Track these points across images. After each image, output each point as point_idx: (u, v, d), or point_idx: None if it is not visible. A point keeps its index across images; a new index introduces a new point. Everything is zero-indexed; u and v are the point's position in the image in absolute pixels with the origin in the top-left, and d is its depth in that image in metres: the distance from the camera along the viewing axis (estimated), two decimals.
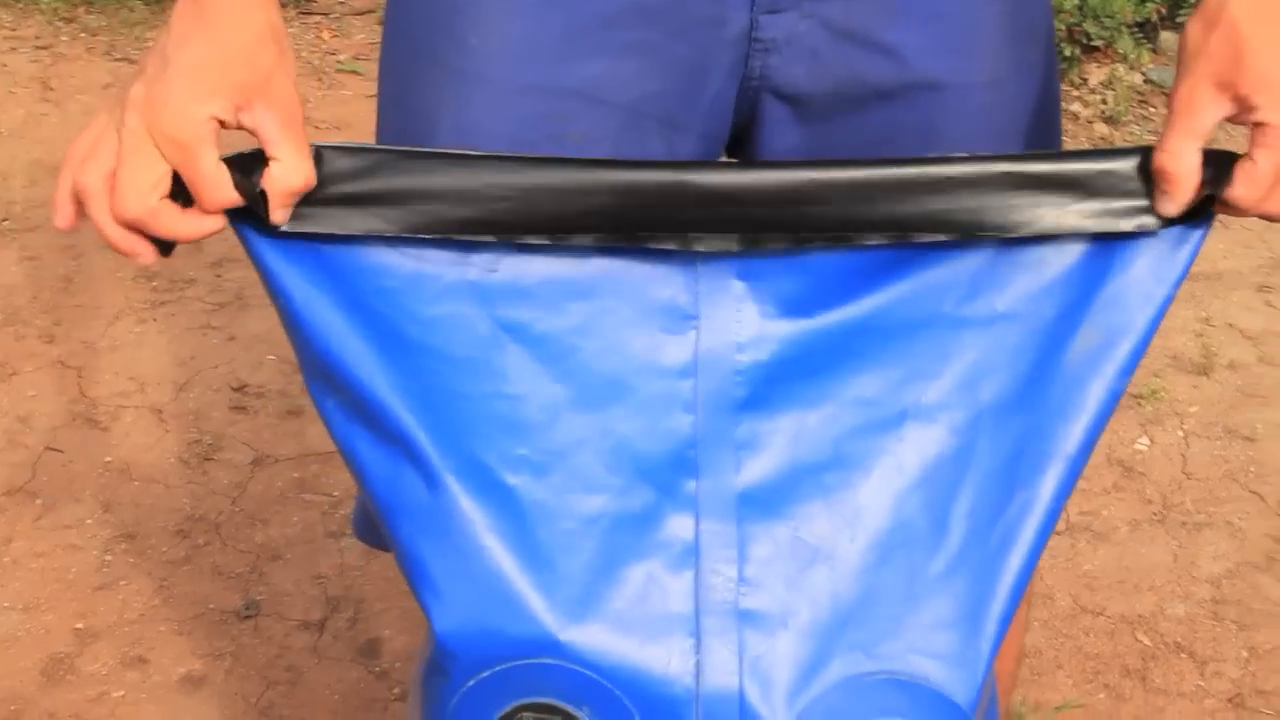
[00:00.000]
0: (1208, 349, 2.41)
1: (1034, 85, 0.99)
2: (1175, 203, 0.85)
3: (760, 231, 0.86)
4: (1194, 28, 0.84)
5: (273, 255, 0.86)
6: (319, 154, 0.84)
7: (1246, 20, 0.81)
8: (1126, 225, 0.86)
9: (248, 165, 0.82)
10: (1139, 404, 2.28)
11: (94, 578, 1.98)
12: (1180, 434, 2.23)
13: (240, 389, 2.35)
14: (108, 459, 2.20)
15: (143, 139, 0.79)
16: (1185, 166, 0.84)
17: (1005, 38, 0.96)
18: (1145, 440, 2.22)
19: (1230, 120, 0.84)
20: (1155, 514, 2.07)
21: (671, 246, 0.86)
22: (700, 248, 0.86)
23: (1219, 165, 0.84)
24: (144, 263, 0.84)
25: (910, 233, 0.86)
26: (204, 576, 1.98)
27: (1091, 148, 0.88)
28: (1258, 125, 0.82)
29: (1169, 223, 0.86)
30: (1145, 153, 0.86)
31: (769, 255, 0.87)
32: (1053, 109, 1.02)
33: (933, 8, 0.94)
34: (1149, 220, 0.86)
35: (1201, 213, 0.85)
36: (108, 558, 2.01)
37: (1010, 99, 0.97)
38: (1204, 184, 0.84)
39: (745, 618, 0.84)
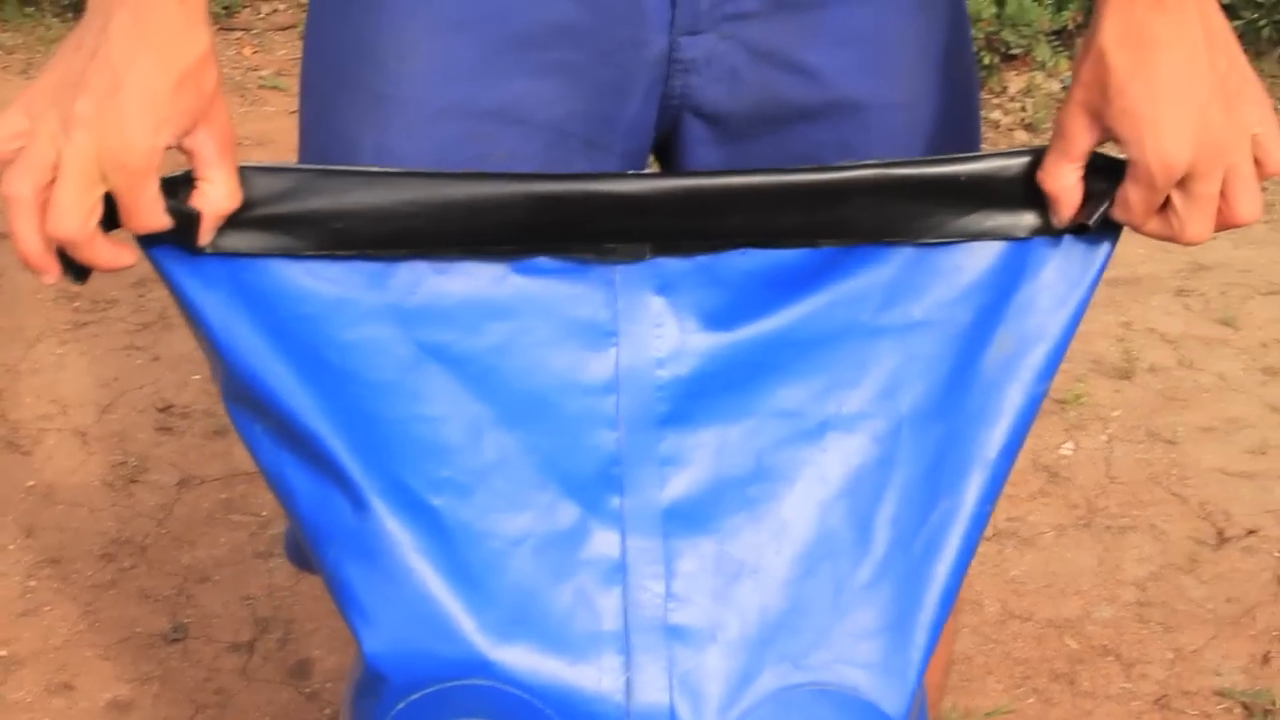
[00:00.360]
0: (1129, 353, 2.45)
1: (954, 104, 1.00)
2: (1059, 217, 0.86)
3: (671, 238, 0.86)
4: (1079, 50, 0.85)
5: (190, 281, 0.85)
6: (240, 175, 0.84)
7: (1113, 49, 0.81)
8: (1025, 229, 0.87)
9: (174, 188, 0.82)
10: (1063, 409, 2.31)
11: (17, 604, 1.95)
12: (1104, 438, 2.26)
13: (165, 409, 2.33)
14: (30, 483, 2.17)
15: (89, 160, 0.77)
16: (1063, 185, 0.85)
17: (925, 57, 0.97)
18: (1070, 445, 2.24)
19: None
20: (1080, 518, 2.10)
21: (586, 255, 0.86)
22: (614, 256, 0.86)
23: (1110, 178, 0.85)
24: (50, 282, 0.82)
25: (818, 238, 0.87)
26: (130, 600, 1.95)
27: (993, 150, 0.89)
28: (1128, 158, 0.83)
29: (1077, 229, 0.87)
30: (1037, 155, 0.87)
31: (683, 262, 0.87)
32: (973, 127, 1.03)
33: (852, 28, 0.94)
34: (1048, 225, 0.87)
35: (1108, 221, 0.87)
36: (31, 583, 1.98)
37: (930, 118, 0.98)
38: (1091, 199, 0.85)
39: (674, 633, 0.84)
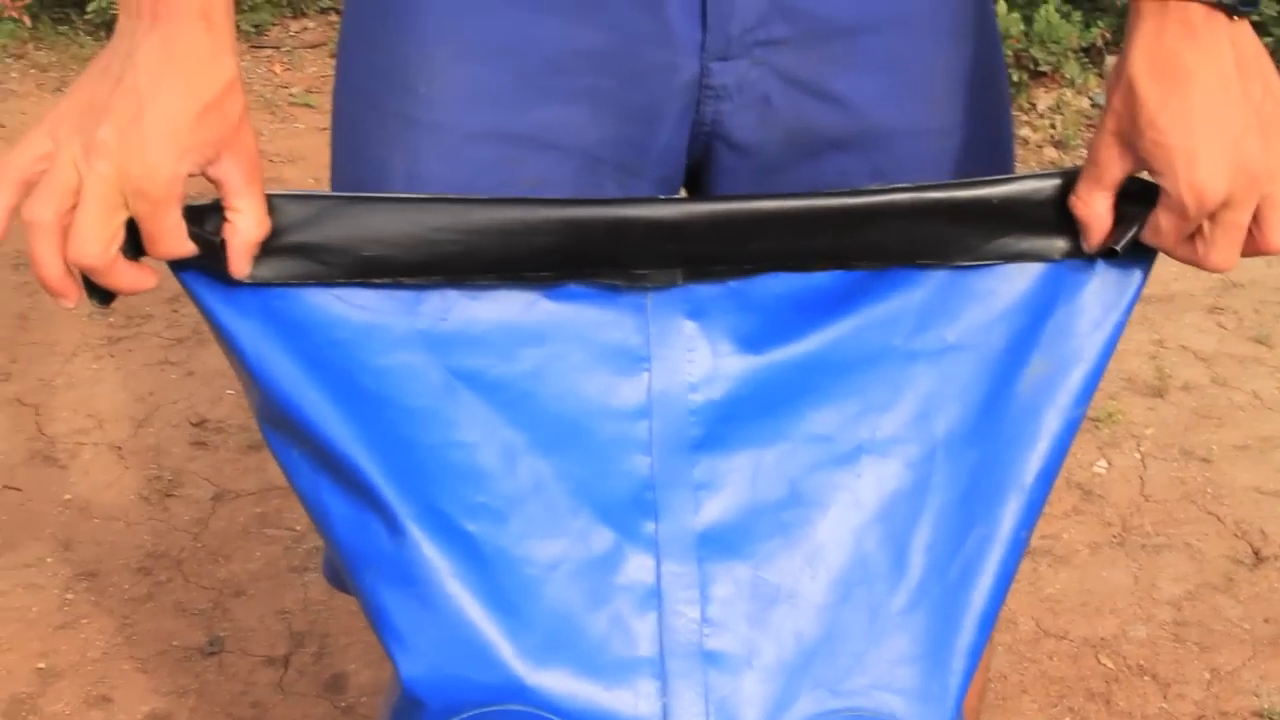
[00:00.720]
0: (1162, 371, 2.43)
1: (986, 132, 1.00)
2: (1090, 242, 0.86)
3: (703, 263, 0.87)
4: (1110, 77, 0.84)
5: (223, 307, 0.85)
6: (269, 203, 0.84)
7: (1143, 79, 0.81)
8: (1057, 251, 0.87)
9: (202, 216, 0.82)
10: (1096, 427, 2.30)
11: (55, 617, 1.96)
12: (1138, 456, 2.25)
13: (200, 424, 2.34)
14: (67, 497, 2.19)
15: (110, 187, 0.78)
16: (1094, 213, 0.85)
17: (957, 85, 0.97)
18: (1104, 463, 2.23)
19: None
20: (1115, 537, 2.09)
21: (618, 281, 0.87)
22: (646, 282, 0.87)
23: (1142, 202, 0.84)
24: (70, 306, 0.82)
25: (850, 261, 0.87)
26: (166, 614, 1.97)
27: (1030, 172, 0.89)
28: (1161, 187, 0.82)
29: (1110, 251, 0.87)
30: (1069, 178, 0.87)
31: (714, 287, 0.88)
32: (1006, 155, 1.02)
33: (884, 56, 0.94)
34: (1079, 248, 0.87)
35: (1140, 244, 0.87)
36: (69, 596, 2.00)
37: (962, 146, 0.98)
38: (1121, 223, 0.85)
39: (710, 658, 0.84)
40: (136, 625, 1.95)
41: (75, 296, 0.81)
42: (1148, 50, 0.81)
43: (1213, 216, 0.82)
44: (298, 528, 2.12)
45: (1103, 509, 2.14)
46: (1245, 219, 0.82)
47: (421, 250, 0.85)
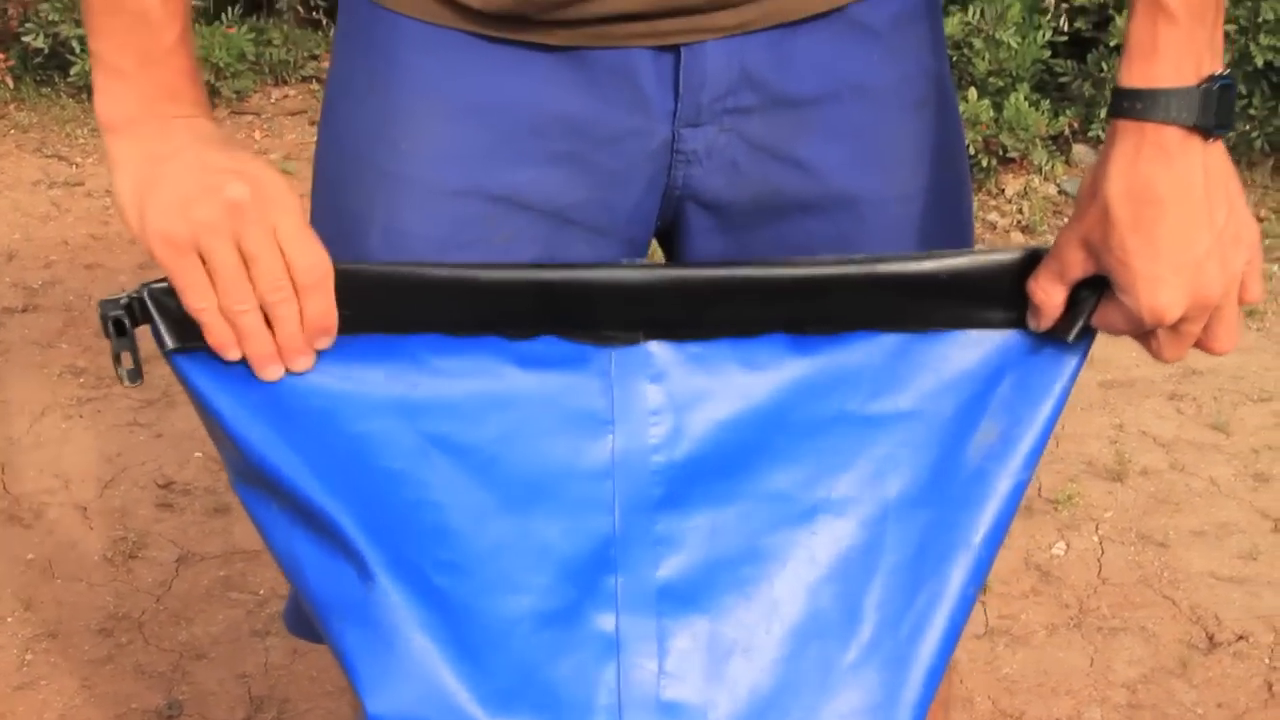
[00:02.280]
0: (1121, 455, 2.47)
1: (946, 203, 1.03)
2: (1040, 325, 0.90)
3: (664, 326, 0.90)
4: (1084, 183, 0.87)
5: (202, 375, 0.89)
6: None
7: (1117, 202, 0.83)
8: (1007, 323, 0.91)
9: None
10: (1055, 509, 2.33)
11: (14, 677, 1.95)
12: (1095, 539, 2.28)
13: (166, 486, 2.35)
14: (30, 556, 2.18)
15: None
16: (1051, 301, 0.89)
17: (919, 155, 1.01)
18: (1062, 545, 2.26)
19: None
20: (1072, 618, 2.11)
21: (583, 340, 0.90)
22: (611, 341, 0.90)
23: (1093, 288, 0.88)
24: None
25: (806, 327, 0.90)
26: (126, 676, 1.96)
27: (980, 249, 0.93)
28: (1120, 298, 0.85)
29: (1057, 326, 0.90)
30: (1025, 257, 0.90)
31: (676, 351, 0.90)
32: (965, 221, 1.06)
33: (847, 125, 0.98)
34: (1025, 321, 0.91)
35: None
36: (28, 657, 1.99)
37: (922, 214, 1.01)
38: (1073, 309, 0.89)
39: (667, 709, 0.86)
40: (96, 687, 1.94)
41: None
42: (1123, 173, 0.83)
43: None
44: (261, 591, 2.12)
45: (1060, 591, 2.16)
46: (1197, 330, 0.86)
47: (399, 309, 0.89)
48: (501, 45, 0.93)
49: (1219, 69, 0.83)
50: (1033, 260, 0.89)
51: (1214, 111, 0.82)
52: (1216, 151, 0.84)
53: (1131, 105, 0.82)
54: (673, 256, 1.05)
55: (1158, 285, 0.83)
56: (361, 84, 0.98)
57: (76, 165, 3.50)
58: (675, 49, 0.93)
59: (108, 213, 3.28)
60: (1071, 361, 0.91)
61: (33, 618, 2.06)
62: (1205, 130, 0.82)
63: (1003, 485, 0.90)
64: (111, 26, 0.88)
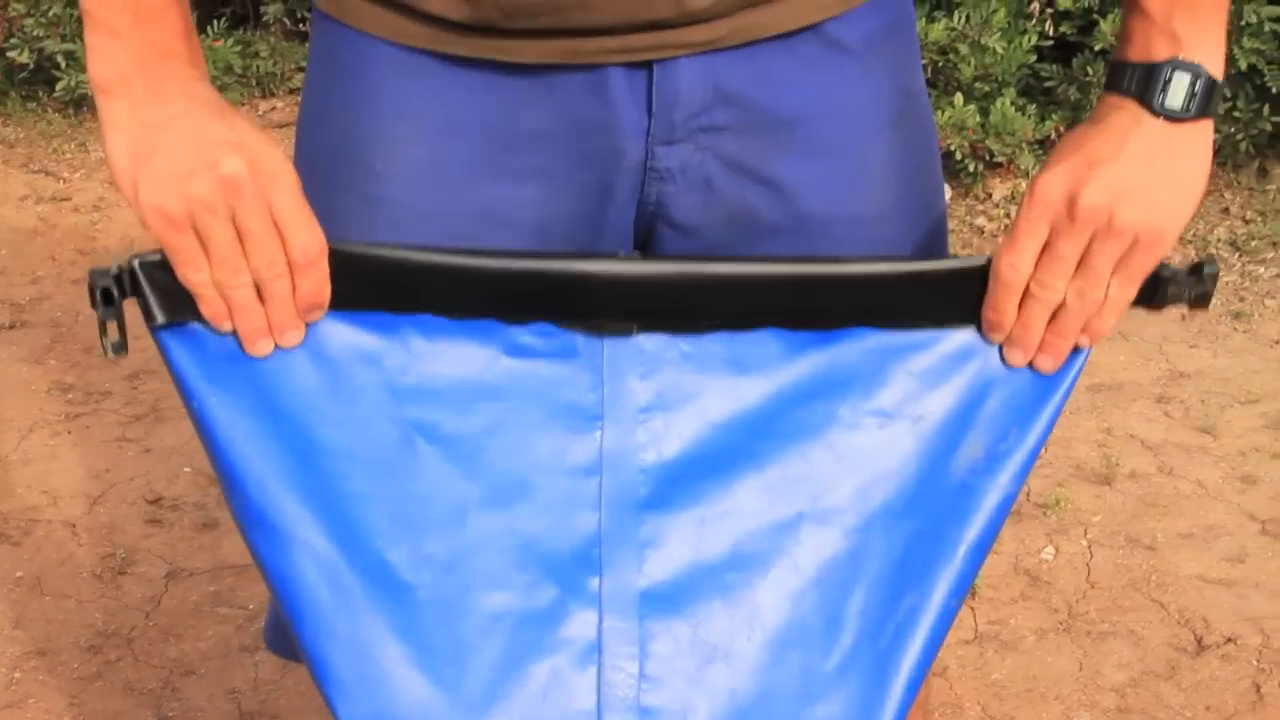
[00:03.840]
0: (1109, 459, 2.47)
1: (921, 221, 1.03)
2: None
3: (656, 317, 0.90)
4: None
5: (186, 357, 0.88)
6: None
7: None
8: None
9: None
10: (1044, 513, 2.33)
11: (2, 695, 1.95)
12: (1084, 543, 2.28)
13: (155, 501, 2.34)
14: (19, 574, 2.18)
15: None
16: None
17: (893, 174, 1.01)
18: (1050, 549, 2.26)
19: None
20: (1061, 623, 2.11)
21: (576, 328, 0.90)
22: (604, 330, 0.90)
23: None
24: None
25: (797, 324, 0.91)
26: (116, 693, 1.96)
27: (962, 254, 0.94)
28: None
29: None
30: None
31: (669, 348, 0.91)
32: (939, 241, 1.06)
33: (823, 143, 0.98)
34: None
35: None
36: (16, 675, 1.99)
37: (897, 232, 1.01)
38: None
39: (646, 714, 0.86)
40: (85, 705, 1.94)
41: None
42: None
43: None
44: (250, 606, 2.12)
45: (1049, 595, 2.16)
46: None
47: (394, 288, 0.89)
48: (474, 66, 0.94)
49: (1188, 56, 0.87)
50: None
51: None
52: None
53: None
54: None
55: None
56: (335, 106, 0.98)
57: (64, 180, 3.50)
58: (648, 66, 0.93)
59: (95, 228, 3.27)
60: (1060, 385, 0.92)
61: (21, 635, 2.05)
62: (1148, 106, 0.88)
63: (991, 498, 0.91)
64: None
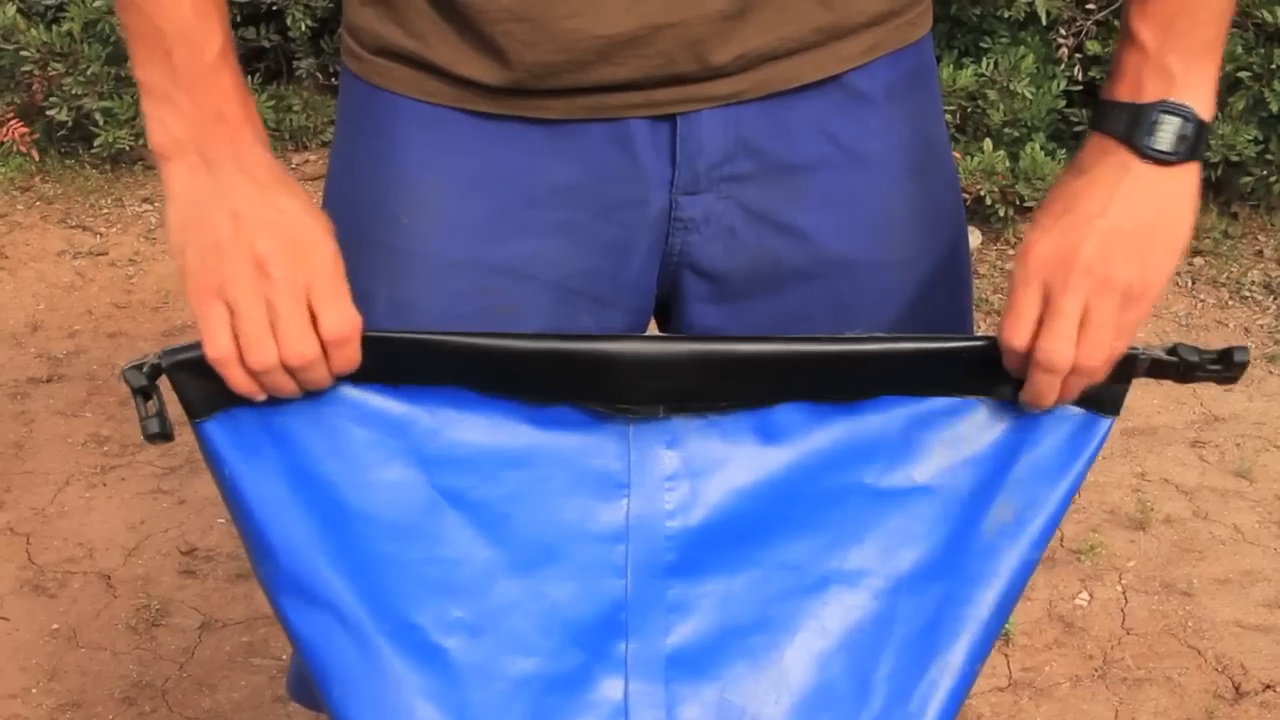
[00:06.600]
0: (1144, 504, 2.46)
1: (943, 268, 1.04)
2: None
3: (684, 399, 0.90)
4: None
5: (217, 428, 0.89)
6: None
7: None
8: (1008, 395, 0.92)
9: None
10: (1078, 559, 2.32)
11: None
12: (1119, 589, 2.26)
13: (189, 553, 2.36)
14: (55, 626, 2.19)
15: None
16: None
17: (914, 222, 1.01)
18: (1085, 596, 2.25)
19: None
20: (1096, 670, 2.10)
21: (603, 410, 0.91)
22: (630, 414, 0.90)
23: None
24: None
25: (822, 397, 0.91)
26: None
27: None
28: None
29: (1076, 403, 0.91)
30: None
31: (695, 419, 0.91)
32: (961, 290, 1.07)
33: (845, 192, 0.99)
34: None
35: (1108, 402, 0.91)
36: None
37: (919, 279, 1.02)
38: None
39: None
40: None
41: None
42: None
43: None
44: (284, 657, 2.12)
45: (1084, 642, 2.15)
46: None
47: (424, 367, 0.90)
48: (499, 120, 0.95)
49: (1178, 96, 0.87)
50: None
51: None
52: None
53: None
54: (668, 326, 1.06)
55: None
56: (363, 161, 0.99)
57: (100, 235, 3.54)
58: (671, 118, 0.94)
59: (131, 281, 3.30)
60: (1088, 445, 0.92)
61: (57, 688, 2.06)
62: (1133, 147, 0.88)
63: (1014, 562, 0.91)
64: (152, 52, 0.88)
